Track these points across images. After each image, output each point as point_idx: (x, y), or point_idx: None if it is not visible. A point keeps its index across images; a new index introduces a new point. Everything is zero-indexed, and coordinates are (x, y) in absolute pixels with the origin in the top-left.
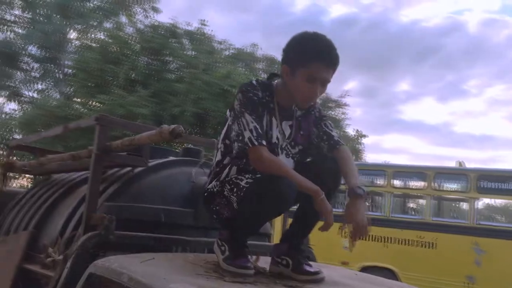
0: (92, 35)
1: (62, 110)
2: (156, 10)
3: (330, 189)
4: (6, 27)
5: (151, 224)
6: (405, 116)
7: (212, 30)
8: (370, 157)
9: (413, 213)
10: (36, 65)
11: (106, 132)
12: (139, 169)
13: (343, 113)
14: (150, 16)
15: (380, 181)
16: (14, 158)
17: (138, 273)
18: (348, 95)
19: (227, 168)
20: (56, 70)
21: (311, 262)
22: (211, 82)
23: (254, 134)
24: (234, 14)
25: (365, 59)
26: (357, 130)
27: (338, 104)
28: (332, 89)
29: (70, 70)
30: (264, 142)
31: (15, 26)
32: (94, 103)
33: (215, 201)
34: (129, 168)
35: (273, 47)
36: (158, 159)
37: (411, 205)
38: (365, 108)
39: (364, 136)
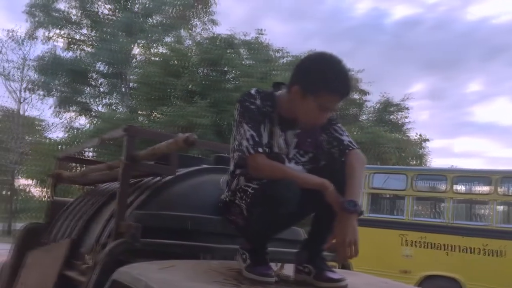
0: (154, 50)
1: (127, 123)
2: (214, 22)
3: (340, 188)
4: (76, 46)
5: (179, 231)
6: (476, 118)
7: (267, 39)
8: (437, 161)
9: (477, 219)
10: (103, 81)
11: (134, 142)
12: (168, 177)
13: (404, 117)
14: (208, 29)
15: (441, 187)
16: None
17: (154, 280)
18: (412, 98)
19: (237, 177)
20: (122, 85)
21: (337, 269)
22: None
23: (251, 142)
24: (294, 22)
25: (432, 60)
26: (420, 134)
27: (400, 108)
28: (394, 93)
29: (134, 84)
30: (260, 150)
31: (84, 45)
32: (156, 114)
33: (230, 211)
34: (169, 178)
35: (335, 53)
36: (191, 167)
37: (475, 211)
38: (433, 111)
39: (427, 140)
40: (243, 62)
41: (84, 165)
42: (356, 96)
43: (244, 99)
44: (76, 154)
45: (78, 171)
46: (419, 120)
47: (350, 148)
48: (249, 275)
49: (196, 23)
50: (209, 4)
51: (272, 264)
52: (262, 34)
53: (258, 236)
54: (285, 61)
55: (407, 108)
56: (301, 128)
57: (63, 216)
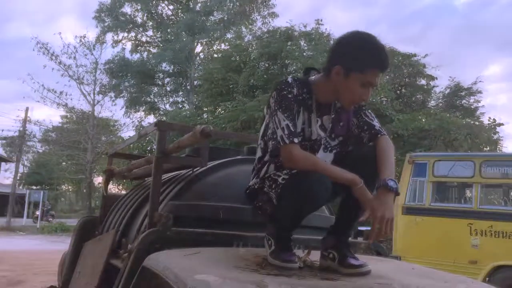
0: (216, 47)
1: (191, 120)
2: (274, 15)
3: (369, 176)
4: (142, 48)
5: (212, 221)
6: None
7: (327, 29)
8: None
9: None
10: (169, 80)
11: (165, 137)
12: (202, 169)
13: (477, 101)
14: (268, 22)
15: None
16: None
17: (175, 264)
18: (483, 81)
19: (266, 165)
20: (186, 83)
21: (364, 256)
22: None
23: (286, 132)
24: (357, 9)
25: (508, 41)
26: (493, 119)
27: (471, 92)
28: (467, 76)
29: (197, 82)
30: (296, 140)
31: (149, 46)
32: (220, 110)
33: (258, 198)
34: (196, 169)
35: (400, 39)
36: (224, 159)
37: None
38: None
39: (501, 124)
40: (303, 54)
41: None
42: (423, 81)
43: (281, 88)
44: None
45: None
46: (497, 103)
47: (382, 133)
48: (273, 261)
49: (256, 18)
50: None
51: (299, 251)
52: (321, 24)
53: (285, 224)
54: None
55: (480, 92)
56: (337, 112)
57: (115, 209)
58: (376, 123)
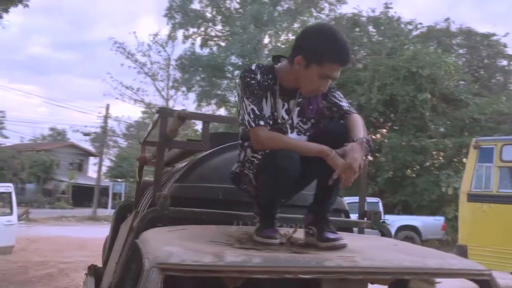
0: (283, 37)
1: None
2: (342, 2)
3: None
4: (211, 42)
5: (212, 201)
6: None
7: (396, 12)
8: None
9: None
10: (237, 73)
11: (166, 123)
12: (205, 153)
13: None
14: (335, 10)
15: None
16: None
17: (154, 238)
18: None
19: (245, 149)
20: None
21: (343, 233)
22: (397, 66)
23: (252, 116)
24: None
25: None
26: None
27: None
28: None
29: None
30: (261, 123)
31: (218, 40)
32: None
33: (241, 180)
34: (205, 153)
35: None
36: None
37: None
38: None
39: None
40: (371, 39)
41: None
42: (503, 62)
43: (244, 75)
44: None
45: None
46: None
47: (350, 112)
48: (256, 238)
49: (324, 6)
50: None
51: (290, 229)
52: (390, 7)
53: (266, 202)
54: (418, 33)
55: None
56: (303, 97)
57: (146, 193)
58: (345, 103)
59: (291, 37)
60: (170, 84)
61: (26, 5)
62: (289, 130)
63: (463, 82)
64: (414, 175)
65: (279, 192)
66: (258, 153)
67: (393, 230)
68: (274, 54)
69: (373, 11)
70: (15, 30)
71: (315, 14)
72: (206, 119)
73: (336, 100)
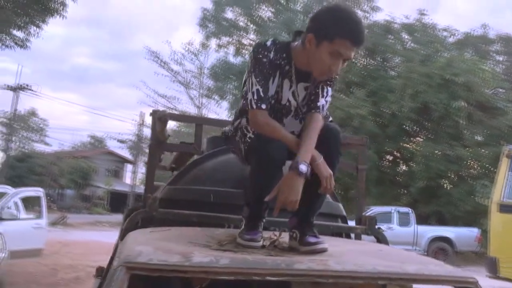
0: None
1: None
2: (375, 9)
3: (331, 155)
4: (244, 50)
5: (204, 204)
6: None
7: (431, 19)
8: None
9: None
10: None
11: (159, 125)
12: (200, 156)
13: None
14: (369, 17)
15: None
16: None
17: (133, 238)
18: None
19: (241, 117)
20: None
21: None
22: (430, 73)
23: (255, 97)
24: None
25: None
26: None
27: None
28: None
29: None
30: (263, 106)
31: (251, 49)
32: None
33: (232, 144)
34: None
35: None
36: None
37: None
38: None
39: None
40: (405, 46)
41: None
42: None
43: (258, 51)
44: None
45: None
46: None
47: (317, 110)
48: (238, 240)
49: (357, 12)
50: None
51: (271, 232)
52: (424, 14)
53: (253, 194)
54: (454, 40)
55: None
56: (313, 82)
57: None
58: (323, 100)
59: None
60: (203, 92)
61: (64, 16)
62: (293, 113)
63: (501, 90)
64: (448, 185)
65: (266, 185)
66: (251, 129)
67: (425, 241)
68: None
69: (407, 18)
70: (59, 41)
71: None
72: (198, 121)
73: (319, 92)
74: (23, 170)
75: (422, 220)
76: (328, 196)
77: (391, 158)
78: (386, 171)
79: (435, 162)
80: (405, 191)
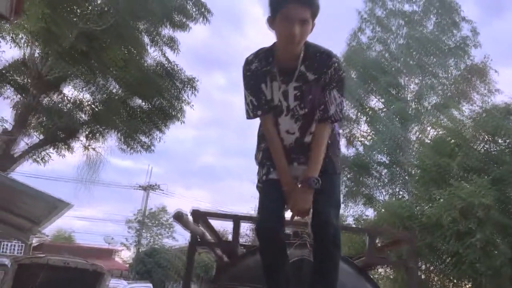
0: (430, 132)
1: (408, 211)
2: (494, 92)
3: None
4: (356, 141)
5: None
6: None
7: None
8: None
9: None
10: (384, 171)
11: (198, 224)
12: (242, 253)
13: None
14: (487, 101)
15: None
16: None
17: None
18: None
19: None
20: (402, 172)
21: None
22: None
23: (250, 106)
24: None
25: None
26: None
27: None
28: None
29: (412, 170)
30: (259, 113)
31: (363, 140)
32: (435, 197)
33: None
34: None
35: None
36: None
37: None
38: None
39: None
40: None
41: None
42: None
43: (243, 68)
44: None
45: None
46: None
47: (326, 119)
48: None
49: (473, 96)
50: (488, 76)
51: None
52: None
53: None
54: None
55: None
56: (304, 84)
57: None
58: (333, 107)
59: (440, 132)
60: None
61: (183, 122)
62: (285, 112)
63: None
64: None
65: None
66: (260, 172)
67: None
68: (420, 150)
69: None
70: (190, 143)
71: (464, 108)
72: (236, 219)
73: (328, 99)
74: (151, 264)
75: None
76: None
77: None
78: None
79: None
80: None
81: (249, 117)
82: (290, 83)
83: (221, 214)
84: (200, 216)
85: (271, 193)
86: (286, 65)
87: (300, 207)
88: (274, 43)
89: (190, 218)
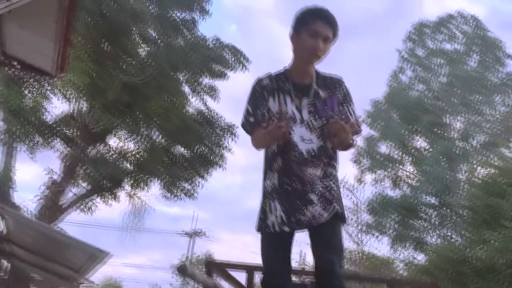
0: (478, 172)
1: (459, 254)
2: None
3: None
4: (402, 183)
5: None
6: None
7: None
8: None
9: None
10: (433, 212)
11: (211, 274)
12: None
13: None
14: None
15: None
16: None
17: None
18: None
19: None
20: (452, 214)
21: None
22: None
23: (244, 113)
24: None
25: None
26: None
27: None
28: None
29: (462, 212)
30: (251, 119)
31: (409, 180)
32: (485, 239)
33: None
34: None
35: None
36: None
37: None
38: None
39: None
40: None
41: None
42: None
43: (254, 84)
44: None
45: None
46: None
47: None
48: None
49: None
50: None
51: None
52: None
53: None
54: None
55: None
56: (318, 97)
57: None
58: (353, 118)
59: (490, 171)
60: (361, 228)
61: (224, 168)
62: (299, 123)
63: None
64: None
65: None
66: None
67: None
68: (470, 190)
69: None
70: (237, 188)
71: None
72: (249, 269)
73: (348, 113)
74: None
75: None
76: None
77: None
78: None
79: None
80: None
81: (241, 121)
82: (304, 99)
83: (234, 264)
84: (215, 267)
85: (276, 245)
86: (300, 82)
87: (343, 139)
88: (285, 67)
89: (204, 269)
